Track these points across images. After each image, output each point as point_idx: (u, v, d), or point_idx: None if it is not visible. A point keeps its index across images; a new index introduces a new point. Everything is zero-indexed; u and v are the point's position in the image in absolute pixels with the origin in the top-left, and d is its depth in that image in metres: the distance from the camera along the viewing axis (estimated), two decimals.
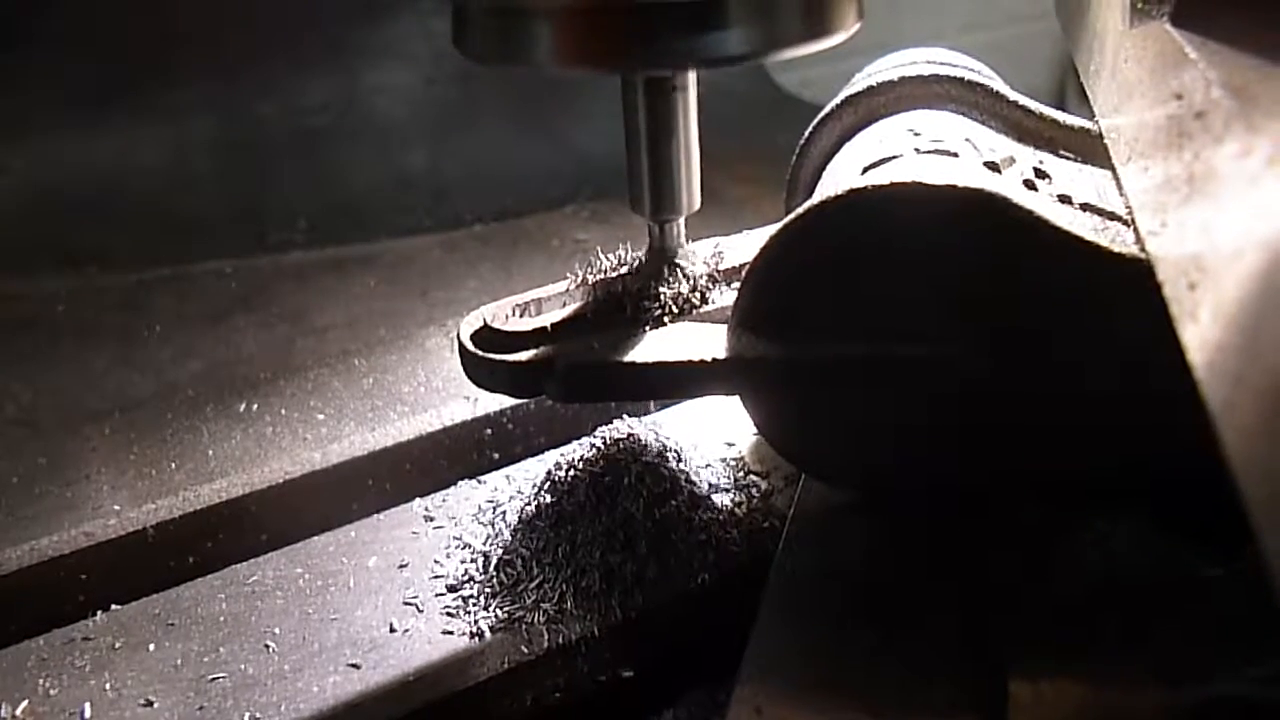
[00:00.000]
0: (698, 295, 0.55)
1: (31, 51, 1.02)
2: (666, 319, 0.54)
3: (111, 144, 1.04)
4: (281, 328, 0.85)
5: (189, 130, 1.07)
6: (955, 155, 0.51)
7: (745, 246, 0.59)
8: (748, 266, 0.50)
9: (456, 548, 0.57)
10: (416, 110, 1.13)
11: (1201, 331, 0.30)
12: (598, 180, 1.10)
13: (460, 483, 0.64)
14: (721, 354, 0.50)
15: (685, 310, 0.55)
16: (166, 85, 1.06)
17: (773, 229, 0.49)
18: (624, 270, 0.57)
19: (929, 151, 0.52)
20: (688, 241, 0.57)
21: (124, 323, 0.87)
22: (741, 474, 0.60)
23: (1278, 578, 0.23)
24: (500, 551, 0.56)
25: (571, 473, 0.58)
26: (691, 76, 0.52)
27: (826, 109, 0.62)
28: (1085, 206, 0.50)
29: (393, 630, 0.52)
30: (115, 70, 1.05)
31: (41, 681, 0.50)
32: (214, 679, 0.50)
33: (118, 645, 0.53)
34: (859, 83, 0.62)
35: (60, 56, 1.03)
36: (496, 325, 0.54)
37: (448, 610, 0.53)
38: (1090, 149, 0.57)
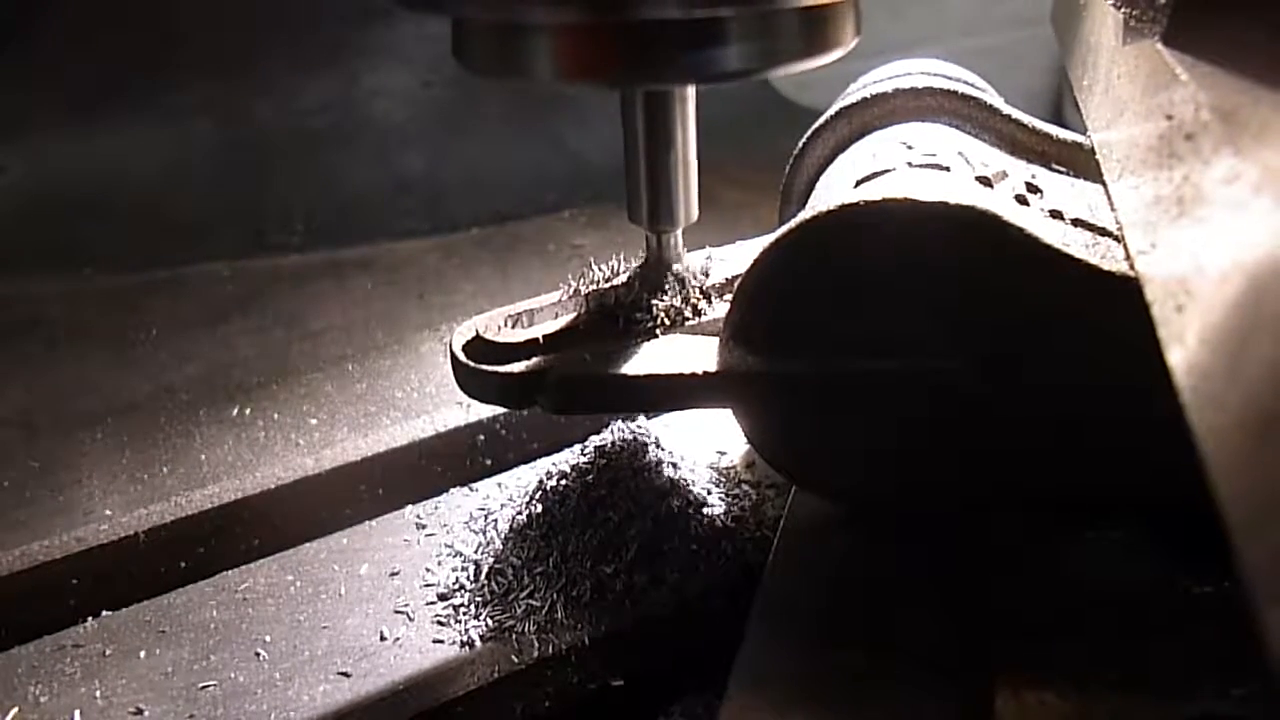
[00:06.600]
0: (690, 307, 0.55)
1: (31, 51, 1.02)
2: (659, 331, 0.54)
3: (110, 145, 1.04)
4: (277, 331, 0.85)
5: (187, 132, 1.07)
6: (948, 169, 0.51)
7: (738, 258, 0.59)
8: (740, 280, 0.50)
9: (448, 556, 0.57)
10: (415, 113, 1.13)
11: (1188, 355, 0.30)
12: (595, 185, 1.11)
13: (452, 490, 0.64)
14: (713, 367, 0.50)
15: (678, 322, 0.55)
16: (165, 86, 1.06)
17: (765, 241, 0.49)
18: (617, 281, 0.57)
19: (922, 165, 0.52)
20: (684, 252, 0.57)
21: (120, 325, 0.87)
22: (733, 483, 0.61)
23: (1255, 598, 0.23)
24: (491, 560, 0.56)
25: (563, 482, 0.58)
26: (690, 89, 0.52)
27: (820, 120, 0.62)
28: (1077, 222, 0.50)
29: (383, 639, 0.52)
30: (114, 71, 1.05)
31: (31, 688, 0.51)
32: (204, 687, 0.50)
33: (108, 652, 0.53)
34: (853, 94, 0.62)
35: (60, 56, 1.03)
36: (489, 336, 0.54)
37: (438, 619, 0.53)
38: (1082, 163, 0.57)
